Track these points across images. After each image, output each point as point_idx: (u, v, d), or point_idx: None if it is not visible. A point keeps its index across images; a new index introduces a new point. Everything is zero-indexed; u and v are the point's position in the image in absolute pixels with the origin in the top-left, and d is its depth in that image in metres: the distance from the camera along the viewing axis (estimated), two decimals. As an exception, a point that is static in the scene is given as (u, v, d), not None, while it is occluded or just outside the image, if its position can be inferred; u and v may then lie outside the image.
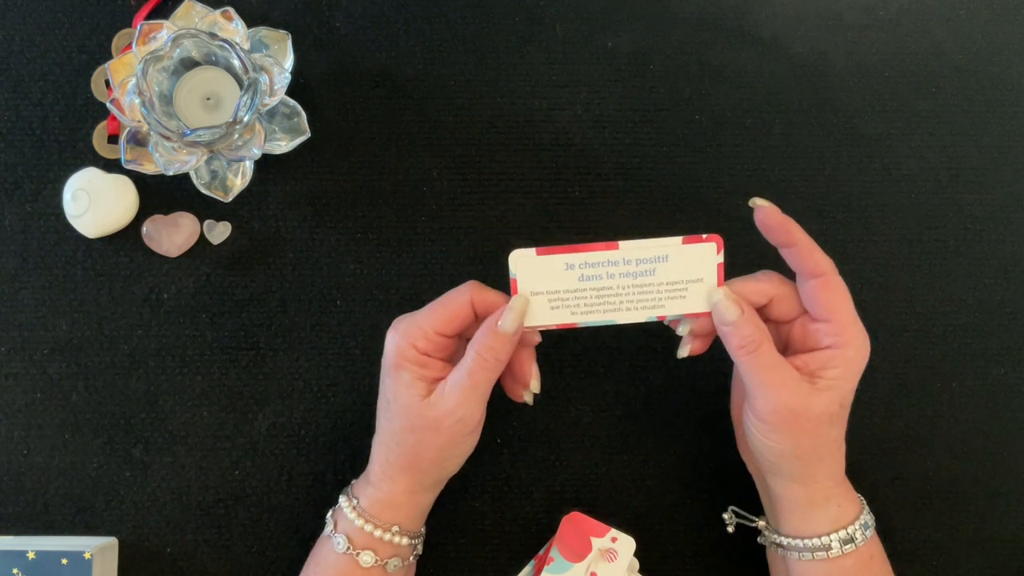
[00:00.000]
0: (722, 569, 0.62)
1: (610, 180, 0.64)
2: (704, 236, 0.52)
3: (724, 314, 0.51)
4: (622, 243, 0.52)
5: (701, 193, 0.64)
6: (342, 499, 0.55)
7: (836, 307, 0.51)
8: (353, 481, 0.56)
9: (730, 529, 0.59)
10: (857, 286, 0.64)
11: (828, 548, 0.52)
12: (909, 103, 0.65)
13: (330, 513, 0.55)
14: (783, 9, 0.65)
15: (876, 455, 0.63)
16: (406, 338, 0.52)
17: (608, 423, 0.63)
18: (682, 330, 0.54)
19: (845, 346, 0.51)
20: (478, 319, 0.53)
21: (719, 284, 0.53)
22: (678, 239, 0.52)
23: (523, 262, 0.52)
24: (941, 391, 0.64)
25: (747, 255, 0.64)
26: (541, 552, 0.60)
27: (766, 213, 0.52)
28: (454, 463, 0.54)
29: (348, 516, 0.53)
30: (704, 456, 0.62)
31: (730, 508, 0.59)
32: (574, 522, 0.57)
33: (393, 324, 0.53)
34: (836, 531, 0.52)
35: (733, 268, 0.63)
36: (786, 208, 0.64)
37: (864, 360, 0.52)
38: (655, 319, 0.53)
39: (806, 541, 0.52)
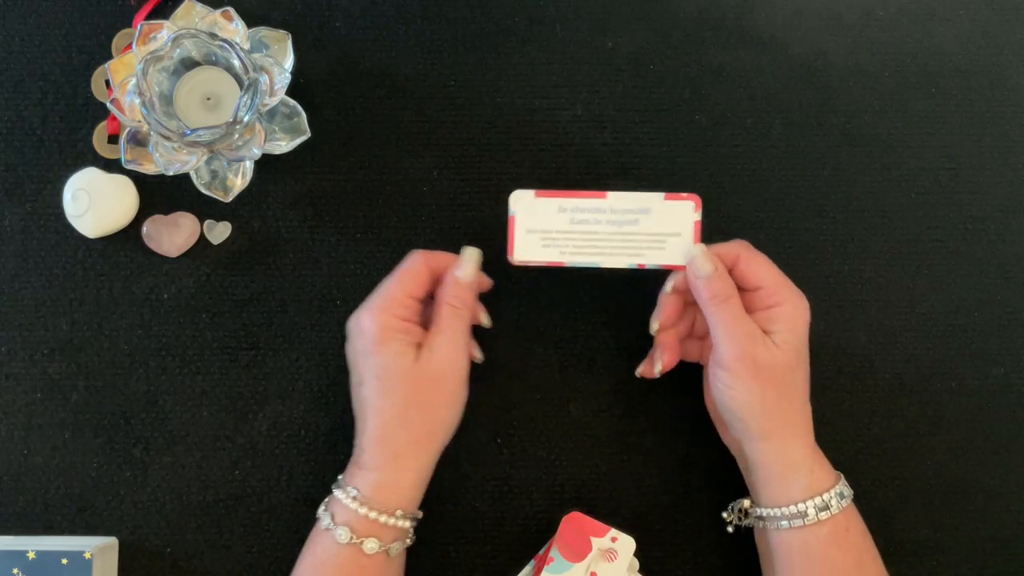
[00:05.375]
0: (722, 569, 0.62)
1: (610, 180, 0.64)
2: (684, 195, 0.57)
3: (699, 268, 0.56)
4: (610, 193, 0.57)
5: (701, 193, 0.64)
6: (337, 492, 0.54)
7: (761, 275, 0.56)
8: (339, 476, 0.56)
9: (730, 529, 0.59)
10: (857, 286, 0.64)
11: (804, 515, 0.53)
12: (909, 103, 0.65)
13: (322, 508, 0.55)
14: (783, 9, 0.65)
15: (876, 455, 0.63)
16: (385, 312, 0.55)
17: (608, 423, 0.63)
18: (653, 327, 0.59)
19: (782, 304, 0.55)
20: (433, 281, 0.57)
21: (696, 240, 0.57)
22: (660, 195, 0.57)
23: (522, 202, 0.58)
24: (941, 391, 0.64)
25: (747, 255, 0.64)
26: (541, 552, 0.60)
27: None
28: (457, 418, 0.57)
29: (350, 506, 0.53)
30: (704, 456, 0.62)
31: (731, 505, 0.59)
32: (574, 522, 0.57)
33: (357, 313, 0.56)
34: (811, 498, 0.53)
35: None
36: (786, 208, 0.64)
37: (804, 312, 0.56)
38: (635, 266, 0.58)
39: (782, 509, 0.54)
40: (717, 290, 0.55)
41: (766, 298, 0.55)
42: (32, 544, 0.58)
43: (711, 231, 0.63)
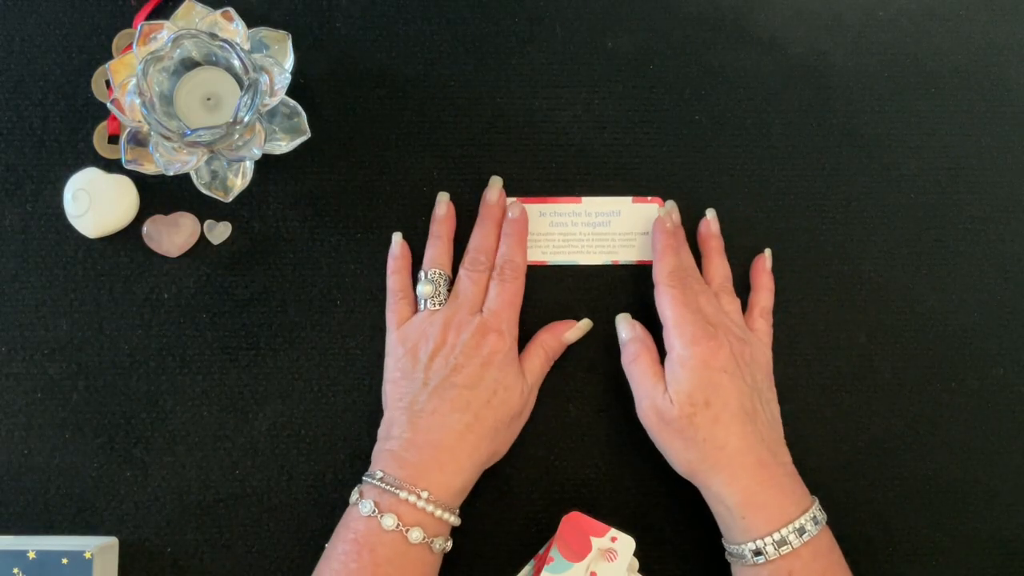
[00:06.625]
0: (722, 569, 0.62)
1: (610, 180, 0.64)
2: (649, 198, 0.63)
3: (618, 332, 0.61)
4: (584, 198, 0.63)
5: (701, 193, 0.64)
6: (406, 495, 0.54)
7: (663, 314, 0.58)
8: (381, 472, 0.55)
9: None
10: (857, 286, 0.64)
11: (743, 556, 0.55)
12: (909, 103, 0.65)
13: (371, 506, 0.54)
14: (783, 9, 0.65)
15: (876, 455, 0.63)
16: (516, 333, 0.60)
17: (608, 423, 0.63)
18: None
19: (670, 351, 0.57)
20: None
21: None
22: (628, 198, 0.63)
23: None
24: (941, 391, 0.64)
25: (748, 255, 0.64)
26: (541, 552, 0.60)
27: (661, 221, 0.61)
28: None
29: (426, 508, 0.54)
30: (704, 456, 0.62)
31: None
32: (574, 522, 0.57)
33: (492, 318, 0.58)
34: (745, 543, 0.55)
35: (734, 268, 0.63)
36: (786, 208, 0.64)
37: (688, 365, 0.56)
38: (611, 263, 0.63)
39: (728, 545, 0.57)
40: (630, 352, 0.59)
41: (666, 340, 0.58)
42: (32, 544, 0.58)
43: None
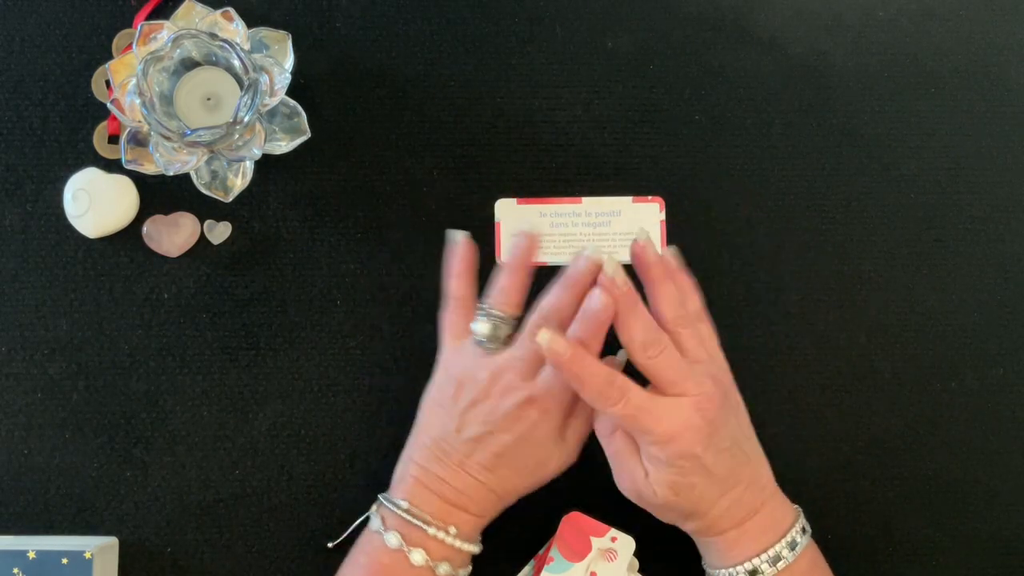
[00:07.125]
0: (722, 569, 0.62)
1: (610, 180, 0.64)
2: (649, 197, 0.63)
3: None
4: (584, 198, 0.63)
5: (701, 193, 0.64)
6: (435, 531, 0.54)
7: (655, 376, 0.53)
8: (410, 506, 0.54)
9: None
10: (857, 286, 0.64)
11: None
12: (909, 103, 0.65)
13: (395, 536, 0.53)
14: (783, 9, 0.65)
15: (876, 455, 0.63)
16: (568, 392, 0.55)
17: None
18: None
19: (645, 442, 0.53)
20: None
21: (663, 239, 0.62)
22: (629, 198, 0.63)
23: (505, 209, 0.63)
24: (941, 391, 0.64)
25: (747, 255, 0.64)
26: (541, 552, 0.60)
27: (642, 248, 0.55)
28: None
29: (453, 544, 0.54)
30: (704, 456, 0.62)
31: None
32: (574, 522, 0.57)
33: (546, 402, 0.54)
34: (726, 567, 0.54)
35: (731, 271, 0.63)
36: (786, 208, 0.64)
37: (669, 461, 0.52)
38: None
39: (710, 571, 0.56)
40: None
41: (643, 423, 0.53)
42: (32, 544, 0.58)
43: (713, 231, 0.64)
